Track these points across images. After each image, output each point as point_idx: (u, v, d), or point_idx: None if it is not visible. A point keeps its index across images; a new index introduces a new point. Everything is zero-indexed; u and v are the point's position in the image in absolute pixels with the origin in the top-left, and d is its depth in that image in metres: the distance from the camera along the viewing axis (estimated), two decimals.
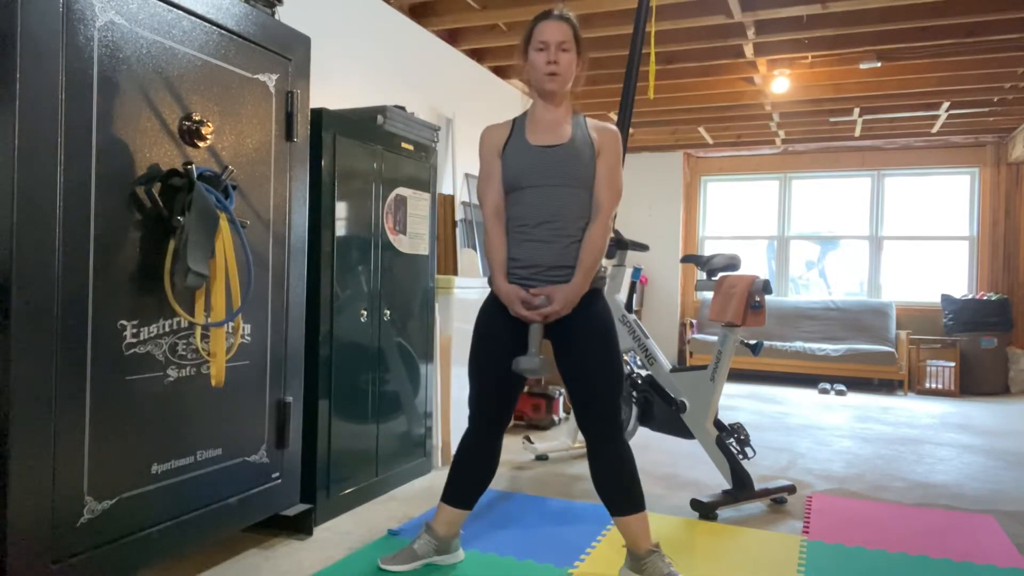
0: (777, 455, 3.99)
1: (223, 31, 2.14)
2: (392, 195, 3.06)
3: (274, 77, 2.35)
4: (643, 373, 3.50)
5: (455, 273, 4.48)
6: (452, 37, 4.69)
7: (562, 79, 2.15)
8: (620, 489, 2.17)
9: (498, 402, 2.23)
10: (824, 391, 6.43)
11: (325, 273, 2.69)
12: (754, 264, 7.98)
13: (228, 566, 2.30)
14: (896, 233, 7.42)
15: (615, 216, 2.26)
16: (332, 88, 3.61)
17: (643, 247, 3.55)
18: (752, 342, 3.07)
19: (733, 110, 6.20)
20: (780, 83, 5.22)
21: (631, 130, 6.88)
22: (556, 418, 4.61)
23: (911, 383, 6.67)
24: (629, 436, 3.61)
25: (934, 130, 6.69)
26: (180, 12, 1.99)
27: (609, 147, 2.19)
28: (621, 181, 2.21)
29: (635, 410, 3.51)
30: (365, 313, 2.91)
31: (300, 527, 2.56)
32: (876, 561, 2.47)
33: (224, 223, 2.02)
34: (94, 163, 1.77)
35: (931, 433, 4.73)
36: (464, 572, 2.29)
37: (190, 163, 2.00)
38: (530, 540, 2.58)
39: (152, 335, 1.95)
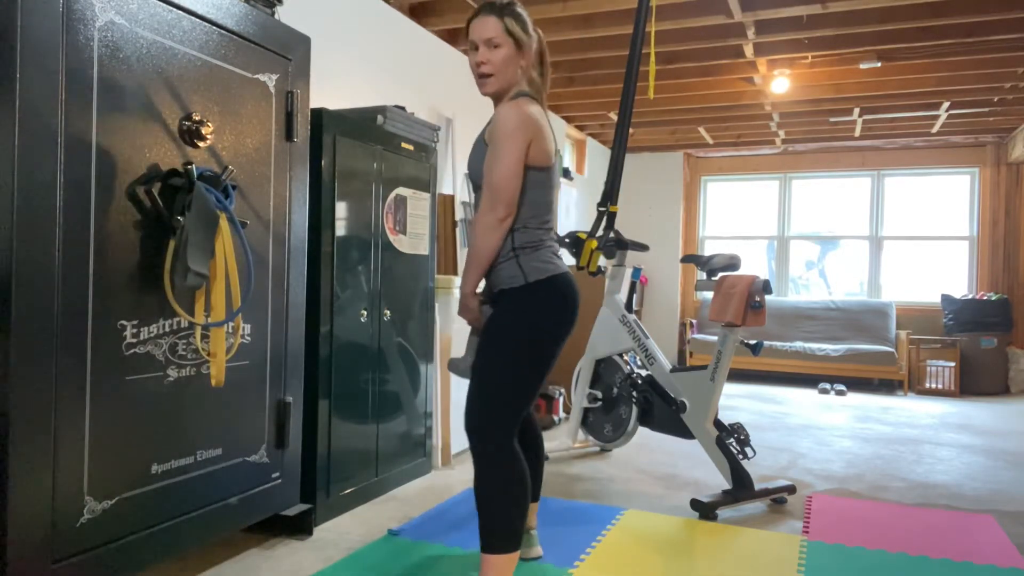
0: (777, 455, 3.99)
1: (223, 31, 2.14)
2: (392, 195, 3.06)
3: (274, 77, 2.35)
4: (643, 373, 3.50)
5: (455, 273, 4.48)
6: (452, 37, 4.69)
7: (495, 80, 2.03)
8: (478, 510, 1.98)
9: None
10: (824, 391, 6.43)
11: (325, 273, 2.69)
12: (754, 264, 7.98)
13: (228, 566, 2.30)
14: (896, 233, 7.42)
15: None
16: (332, 88, 3.61)
17: (643, 247, 3.55)
18: (752, 342, 3.07)
19: (733, 110, 6.20)
20: (780, 83, 5.22)
21: (631, 130, 6.89)
22: (556, 418, 4.61)
23: (911, 383, 6.67)
24: (629, 436, 3.61)
25: (934, 130, 6.69)
26: (180, 12, 1.99)
27: (491, 132, 2.00)
28: (502, 163, 1.94)
29: (635, 410, 3.51)
30: (365, 313, 2.91)
31: (300, 527, 2.56)
32: (876, 561, 2.47)
33: (224, 223, 2.02)
34: (94, 163, 1.77)
35: (931, 433, 4.73)
36: (464, 571, 2.29)
37: (190, 163, 2.00)
38: None
39: (152, 335, 1.95)
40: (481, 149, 2.06)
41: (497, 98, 2.09)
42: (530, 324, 1.99)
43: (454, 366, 2.20)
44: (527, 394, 2.01)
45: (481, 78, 2.05)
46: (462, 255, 4.62)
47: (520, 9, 2.07)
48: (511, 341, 1.98)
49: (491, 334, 2.01)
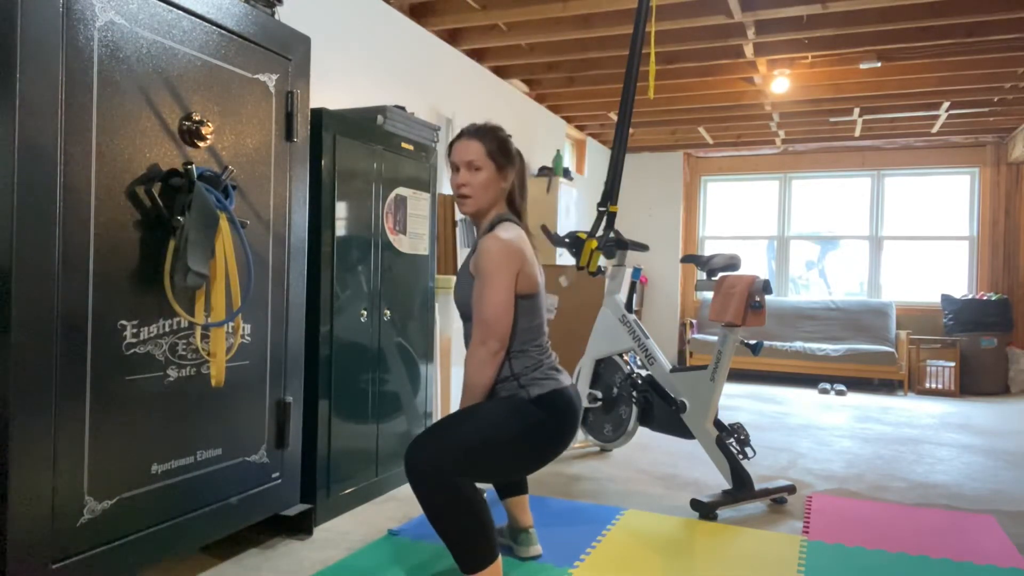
0: (777, 455, 3.99)
1: (223, 31, 2.14)
2: (392, 195, 3.06)
3: (274, 77, 2.35)
4: (643, 373, 3.50)
5: (455, 273, 4.48)
6: (452, 37, 4.69)
7: (473, 201, 2.08)
8: None
9: None
10: (824, 391, 6.43)
11: (325, 273, 2.69)
12: (754, 264, 7.98)
13: (228, 566, 2.30)
14: (896, 233, 7.42)
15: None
16: (332, 88, 3.60)
17: (643, 247, 3.55)
18: (752, 342, 3.07)
19: (733, 110, 6.20)
20: (780, 83, 5.22)
21: (631, 130, 6.89)
22: None
23: (911, 383, 6.67)
24: (629, 436, 3.61)
25: (934, 130, 6.69)
26: (180, 12, 1.99)
27: (477, 265, 2.01)
28: (492, 298, 1.96)
29: (635, 410, 3.51)
30: (365, 313, 2.91)
31: (300, 527, 2.56)
32: (876, 561, 2.47)
33: (224, 223, 2.02)
34: (94, 163, 1.77)
35: (931, 433, 4.73)
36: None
37: (190, 163, 2.00)
38: None
39: (152, 335, 1.95)
40: (467, 280, 2.08)
41: (475, 218, 2.14)
42: (526, 431, 1.98)
43: None
44: (492, 478, 2.06)
45: (461, 198, 2.09)
46: (462, 255, 4.62)
47: (503, 134, 2.13)
48: (505, 433, 1.96)
49: (490, 412, 1.99)
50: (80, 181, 1.74)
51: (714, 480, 3.41)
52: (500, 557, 1.97)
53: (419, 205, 3.25)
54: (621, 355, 3.66)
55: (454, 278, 3.65)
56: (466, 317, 2.13)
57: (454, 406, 3.64)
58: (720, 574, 2.33)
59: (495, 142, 2.09)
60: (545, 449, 2.02)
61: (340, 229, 2.76)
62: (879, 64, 4.86)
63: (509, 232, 2.03)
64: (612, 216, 3.41)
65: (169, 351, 2.00)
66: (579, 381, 3.81)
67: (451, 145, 2.14)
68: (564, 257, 5.73)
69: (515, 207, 2.18)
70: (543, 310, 2.15)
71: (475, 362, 1.99)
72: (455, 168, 2.11)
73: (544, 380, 2.05)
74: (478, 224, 2.16)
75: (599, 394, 3.74)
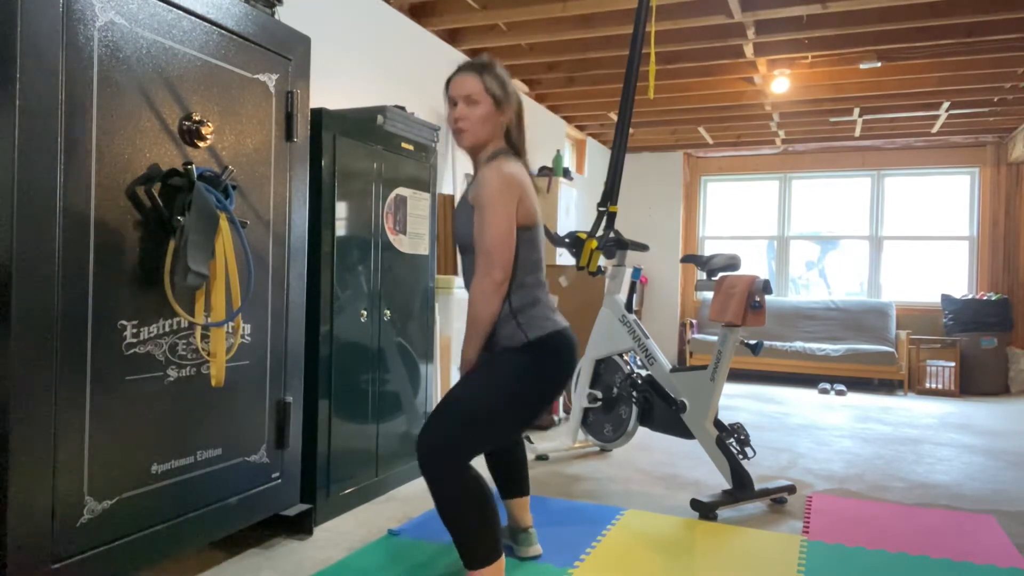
0: (777, 455, 3.99)
1: (223, 31, 2.14)
2: (392, 195, 3.06)
3: (274, 77, 2.35)
4: (643, 373, 3.50)
5: (455, 273, 4.48)
6: (452, 37, 4.69)
7: (470, 135, 2.05)
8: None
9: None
10: (824, 391, 6.43)
11: (325, 273, 2.69)
12: (754, 264, 7.98)
13: (228, 566, 2.30)
14: (896, 233, 7.42)
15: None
16: (332, 88, 3.60)
17: (643, 247, 3.55)
18: (752, 342, 3.07)
19: (733, 110, 6.20)
20: (780, 83, 5.22)
21: (631, 130, 6.89)
22: (556, 418, 4.62)
23: (911, 383, 6.67)
24: (628, 436, 3.61)
25: (934, 130, 6.69)
26: (180, 12, 1.99)
27: (477, 196, 1.99)
28: (494, 226, 1.94)
29: (635, 410, 3.51)
30: (365, 313, 2.91)
31: (300, 527, 2.56)
32: (876, 561, 2.47)
33: (224, 223, 2.02)
34: (94, 163, 1.77)
35: (931, 433, 4.73)
36: (464, 571, 2.29)
37: (190, 163, 2.00)
38: None
39: (152, 335, 1.95)
40: (467, 211, 2.06)
41: (473, 152, 2.12)
42: (525, 381, 1.99)
43: None
44: (502, 439, 2.03)
45: (457, 133, 2.08)
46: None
47: (500, 70, 2.10)
48: (503, 392, 1.97)
49: (484, 376, 1.99)
50: (80, 181, 1.74)
51: (714, 480, 3.41)
52: (504, 557, 1.97)
53: (419, 205, 3.25)
54: (621, 355, 3.66)
55: (454, 278, 3.66)
56: (464, 249, 2.11)
57: None
58: (720, 574, 2.33)
59: (493, 76, 2.06)
60: (546, 393, 2.02)
61: (340, 229, 2.76)
62: (879, 64, 4.86)
63: (510, 164, 2.02)
64: (612, 216, 3.41)
65: (169, 351, 2.00)
66: (579, 381, 3.81)
67: (448, 81, 2.10)
68: (564, 257, 5.73)
69: (512, 144, 2.15)
70: (542, 245, 2.13)
71: (480, 293, 1.96)
72: (452, 103, 2.08)
73: (542, 322, 2.03)
74: (476, 159, 2.13)
75: (599, 394, 3.74)
